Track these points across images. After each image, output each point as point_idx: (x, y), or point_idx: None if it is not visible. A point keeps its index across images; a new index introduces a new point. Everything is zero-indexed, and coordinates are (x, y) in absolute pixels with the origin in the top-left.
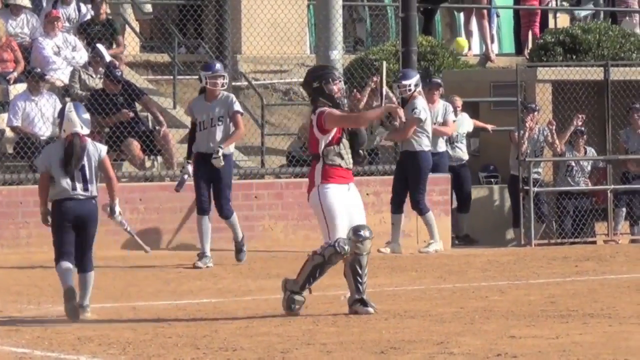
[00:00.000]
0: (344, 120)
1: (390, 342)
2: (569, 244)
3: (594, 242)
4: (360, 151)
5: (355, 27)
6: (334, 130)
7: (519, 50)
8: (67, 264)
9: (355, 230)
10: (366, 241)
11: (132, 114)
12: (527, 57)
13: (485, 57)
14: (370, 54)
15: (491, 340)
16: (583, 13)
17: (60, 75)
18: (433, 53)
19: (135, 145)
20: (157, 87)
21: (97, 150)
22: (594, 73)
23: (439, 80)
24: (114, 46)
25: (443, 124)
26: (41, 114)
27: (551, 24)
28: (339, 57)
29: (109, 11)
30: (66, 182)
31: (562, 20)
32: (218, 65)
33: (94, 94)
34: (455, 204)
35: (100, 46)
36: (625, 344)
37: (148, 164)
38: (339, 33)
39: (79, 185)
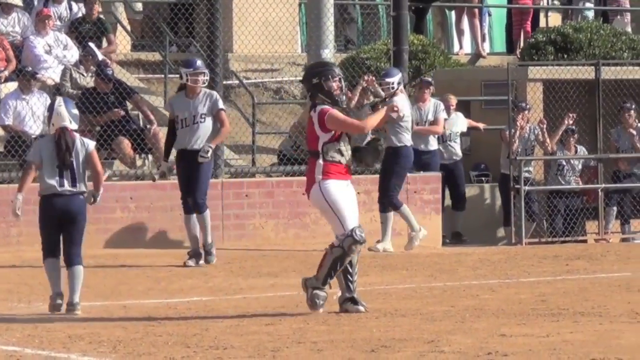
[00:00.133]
0: (346, 126)
1: (381, 340)
2: (560, 243)
3: (585, 241)
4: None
5: (346, 27)
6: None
7: (511, 49)
8: (55, 262)
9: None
10: (364, 244)
11: (123, 113)
12: (519, 56)
13: (476, 55)
14: (361, 52)
15: (482, 338)
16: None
17: (52, 73)
18: (424, 52)
19: (126, 143)
20: (148, 85)
21: (85, 145)
22: (585, 72)
23: (430, 79)
24: (105, 45)
25: (433, 122)
26: (32, 113)
27: (542, 23)
28: (330, 55)
29: (101, 9)
30: (54, 178)
31: (554, 19)
32: (199, 62)
33: (85, 93)
34: (448, 203)
35: (91, 45)
36: (615, 342)
37: (139, 162)
38: (330, 32)
39: (66, 182)
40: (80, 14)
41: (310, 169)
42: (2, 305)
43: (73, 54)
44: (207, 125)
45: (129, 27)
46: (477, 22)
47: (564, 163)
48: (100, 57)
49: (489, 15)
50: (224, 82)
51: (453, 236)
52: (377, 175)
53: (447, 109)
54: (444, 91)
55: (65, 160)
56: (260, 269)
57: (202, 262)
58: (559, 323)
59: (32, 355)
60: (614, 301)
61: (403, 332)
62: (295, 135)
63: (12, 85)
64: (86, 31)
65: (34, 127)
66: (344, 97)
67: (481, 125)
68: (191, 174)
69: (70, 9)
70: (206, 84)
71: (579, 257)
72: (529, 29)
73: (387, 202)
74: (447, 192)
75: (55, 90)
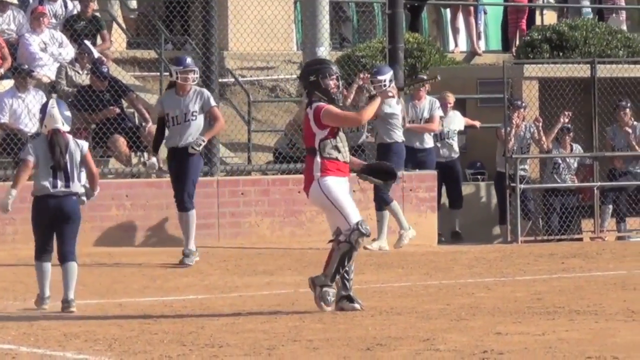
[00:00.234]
0: (342, 119)
1: (377, 338)
2: (556, 241)
3: (581, 239)
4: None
5: (341, 26)
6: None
7: (506, 47)
8: (45, 266)
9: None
10: (366, 237)
11: (118, 111)
12: (514, 54)
13: (471, 53)
14: (357, 50)
15: (477, 336)
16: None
17: (47, 71)
18: (420, 50)
19: (122, 141)
20: (144, 83)
21: (79, 146)
22: (580, 70)
23: (425, 77)
24: (99, 42)
25: (429, 119)
26: (27, 110)
27: (538, 21)
28: (326, 53)
29: (96, 7)
30: (47, 179)
31: (549, 17)
32: (189, 60)
33: (80, 91)
34: (445, 201)
35: (87, 42)
36: (611, 340)
37: (134, 160)
38: (325, 30)
39: (60, 183)
40: (75, 12)
41: (308, 167)
42: None
43: (68, 51)
44: (198, 123)
45: (124, 25)
46: (472, 19)
47: (560, 161)
48: (96, 54)
49: (485, 13)
50: (220, 80)
51: (452, 236)
52: None
53: (445, 107)
54: (439, 89)
55: (59, 161)
56: (255, 267)
57: (197, 258)
58: (554, 321)
59: (27, 354)
60: (610, 299)
61: (399, 331)
62: (291, 133)
63: (8, 83)
64: (81, 29)
65: (29, 125)
66: (341, 95)
67: (477, 123)
68: (179, 175)
69: (66, 6)
70: (196, 81)
71: (574, 255)
72: (524, 27)
73: (378, 197)
74: (443, 191)
75: (50, 88)
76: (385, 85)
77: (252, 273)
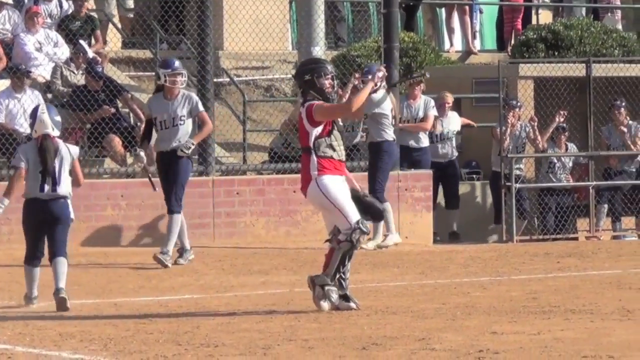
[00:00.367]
0: (333, 111)
1: (372, 338)
2: (551, 240)
3: (576, 239)
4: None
5: (336, 25)
6: (324, 122)
7: (501, 46)
8: (33, 270)
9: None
10: (366, 235)
11: (113, 110)
12: (509, 53)
13: (467, 53)
14: (352, 50)
15: (473, 336)
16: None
17: (42, 71)
18: (415, 49)
19: (117, 141)
20: (139, 83)
21: (70, 151)
22: (575, 69)
23: (428, 75)
24: (93, 41)
25: (423, 119)
26: (23, 111)
27: (533, 21)
28: (321, 53)
29: (91, 7)
30: (36, 183)
31: (545, 17)
32: (177, 63)
33: (75, 91)
34: (442, 201)
35: (82, 42)
36: (606, 339)
37: (129, 160)
38: (321, 29)
39: (47, 187)
40: (70, 11)
41: (305, 166)
42: None
43: (64, 51)
44: (186, 127)
45: (119, 25)
46: (467, 19)
47: (555, 160)
48: (91, 54)
49: (481, 12)
50: (215, 80)
51: (450, 236)
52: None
53: (443, 107)
54: (434, 88)
55: (48, 167)
56: (251, 267)
57: (192, 257)
58: (550, 320)
59: (23, 354)
60: (605, 298)
61: (394, 330)
62: (286, 133)
63: (2, 83)
64: (76, 29)
65: (24, 125)
66: (336, 94)
67: (472, 123)
68: (168, 178)
69: (61, 6)
70: (184, 84)
71: (570, 254)
72: (519, 26)
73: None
74: (440, 190)
75: (46, 88)
76: (376, 85)
77: (247, 272)
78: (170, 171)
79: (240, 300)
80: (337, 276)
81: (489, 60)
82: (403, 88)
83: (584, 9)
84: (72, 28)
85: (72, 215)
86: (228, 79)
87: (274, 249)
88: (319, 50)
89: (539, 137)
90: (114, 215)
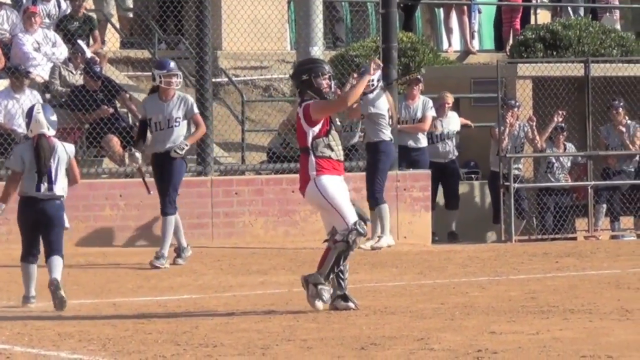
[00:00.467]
0: (330, 106)
1: (371, 338)
2: (550, 240)
3: (575, 238)
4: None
5: (334, 26)
6: (321, 122)
7: (499, 46)
8: (31, 268)
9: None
10: (363, 237)
11: (112, 110)
12: (508, 53)
13: (465, 52)
14: (350, 50)
15: (471, 336)
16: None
17: (40, 71)
18: (413, 49)
19: (115, 141)
20: (137, 83)
21: (67, 150)
22: (574, 69)
23: (419, 76)
24: (92, 42)
25: (421, 119)
26: (22, 111)
27: (532, 20)
28: (320, 53)
29: (89, 6)
30: (32, 182)
31: (543, 17)
32: (172, 64)
33: (74, 91)
34: (441, 201)
35: (80, 42)
36: (605, 339)
37: (127, 160)
38: (319, 29)
39: (43, 186)
40: (68, 11)
41: (303, 166)
42: None
43: (62, 51)
44: (181, 129)
45: (118, 25)
46: (465, 19)
47: (554, 160)
48: (89, 54)
49: (480, 12)
50: (213, 80)
51: (449, 236)
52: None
53: (443, 108)
54: (433, 89)
55: (44, 166)
56: (249, 267)
57: (189, 253)
58: (548, 320)
59: (21, 353)
60: (604, 298)
61: (393, 330)
62: (285, 133)
63: (1, 83)
64: (75, 29)
65: (23, 125)
66: (333, 95)
67: (469, 122)
68: (162, 180)
69: (59, 6)
70: (179, 86)
71: (568, 254)
72: (518, 26)
73: (371, 198)
74: (440, 190)
75: (44, 88)
76: (373, 85)
77: (246, 272)
78: (163, 173)
79: (239, 300)
80: (331, 276)
81: (488, 60)
82: (402, 89)
83: (582, 8)
84: (70, 28)
85: (67, 224)
86: (226, 79)
87: (272, 249)
88: (317, 50)
89: (537, 137)
90: (112, 215)
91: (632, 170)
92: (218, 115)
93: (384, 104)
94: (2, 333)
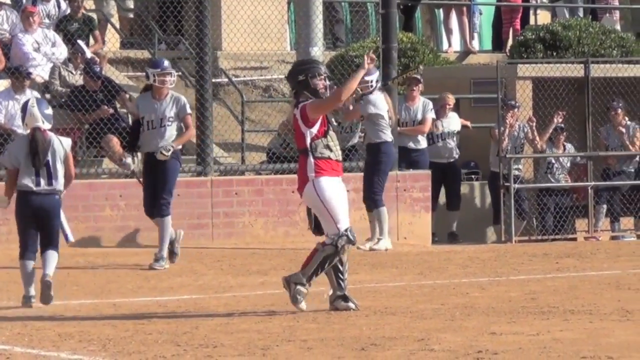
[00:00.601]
0: (324, 104)
1: (371, 338)
2: (550, 241)
3: (575, 239)
4: None
5: (334, 26)
6: (319, 122)
7: (499, 46)
8: (29, 265)
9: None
10: (352, 244)
11: (111, 111)
12: (508, 53)
13: (465, 53)
14: (350, 50)
15: (472, 336)
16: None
17: (40, 71)
18: (413, 50)
19: (115, 141)
20: (137, 83)
21: (63, 145)
22: (574, 70)
23: (419, 77)
24: (92, 42)
25: (421, 121)
26: None
27: (532, 21)
28: (319, 53)
29: (89, 7)
30: (30, 177)
31: (543, 17)
32: (166, 63)
33: (74, 91)
34: (443, 201)
35: (80, 42)
36: (605, 340)
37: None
38: (319, 30)
39: (42, 181)
40: (68, 12)
41: (301, 167)
42: None
43: (62, 51)
44: (173, 129)
45: (118, 25)
46: (465, 19)
47: (554, 161)
48: (89, 54)
49: (480, 13)
50: (213, 80)
51: (449, 236)
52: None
53: (444, 109)
54: (433, 89)
55: (40, 160)
56: (249, 267)
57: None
58: (549, 321)
59: (21, 354)
60: (604, 299)
61: (393, 330)
62: (285, 133)
63: (0, 84)
64: (75, 29)
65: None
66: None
67: (468, 123)
68: (158, 176)
69: (59, 6)
70: (173, 85)
71: (568, 255)
72: (518, 26)
73: (370, 199)
74: (442, 191)
75: (44, 88)
76: (372, 86)
77: (246, 273)
78: (157, 174)
79: (239, 300)
80: (312, 279)
81: (488, 61)
82: (401, 90)
83: (581, 9)
84: (70, 28)
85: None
86: (226, 80)
87: (272, 249)
88: (317, 50)
89: (537, 138)
90: (112, 216)
91: (632, 170)
92: (218, 115)
93: (383, 105)
94: (2, 333)
